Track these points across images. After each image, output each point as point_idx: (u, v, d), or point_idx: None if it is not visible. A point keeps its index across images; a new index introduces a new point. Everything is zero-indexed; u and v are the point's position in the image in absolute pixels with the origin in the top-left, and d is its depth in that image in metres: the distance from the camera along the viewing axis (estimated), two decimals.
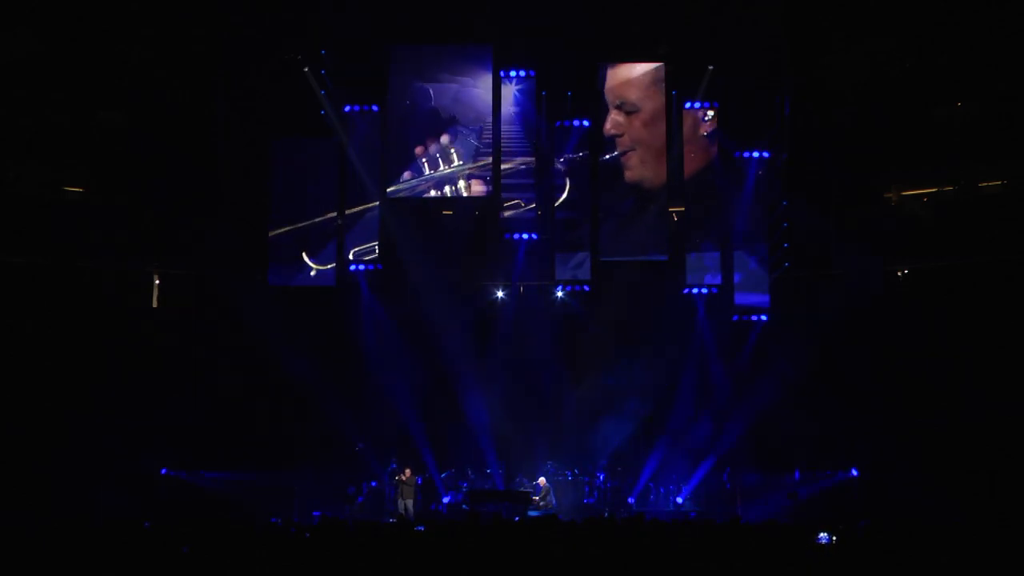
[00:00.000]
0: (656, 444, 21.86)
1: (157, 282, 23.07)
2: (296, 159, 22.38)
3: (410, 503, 20.25)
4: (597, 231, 22.05)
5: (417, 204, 22.34)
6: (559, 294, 22.74)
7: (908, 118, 22.11)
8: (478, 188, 22.02)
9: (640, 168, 21.97)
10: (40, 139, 21.90)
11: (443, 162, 21.98)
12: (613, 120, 22.05)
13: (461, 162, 21.99)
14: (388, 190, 22.05)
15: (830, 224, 22.10)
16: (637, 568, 10.46)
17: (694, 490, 21.66)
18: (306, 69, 22.11)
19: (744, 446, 21.56)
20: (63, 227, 21.42)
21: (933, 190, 22.69)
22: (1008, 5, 20.50)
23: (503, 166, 22.08)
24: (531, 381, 22.24)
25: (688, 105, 22.19)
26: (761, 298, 21.88)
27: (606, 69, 22.07)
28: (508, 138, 22.12)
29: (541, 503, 20.44)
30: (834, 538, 11.93)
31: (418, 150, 21.95)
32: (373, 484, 21.42)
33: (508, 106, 22.13)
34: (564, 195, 22.17)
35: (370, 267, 22.10)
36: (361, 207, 22.14)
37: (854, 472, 20.93)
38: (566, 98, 22.20)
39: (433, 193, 22.07)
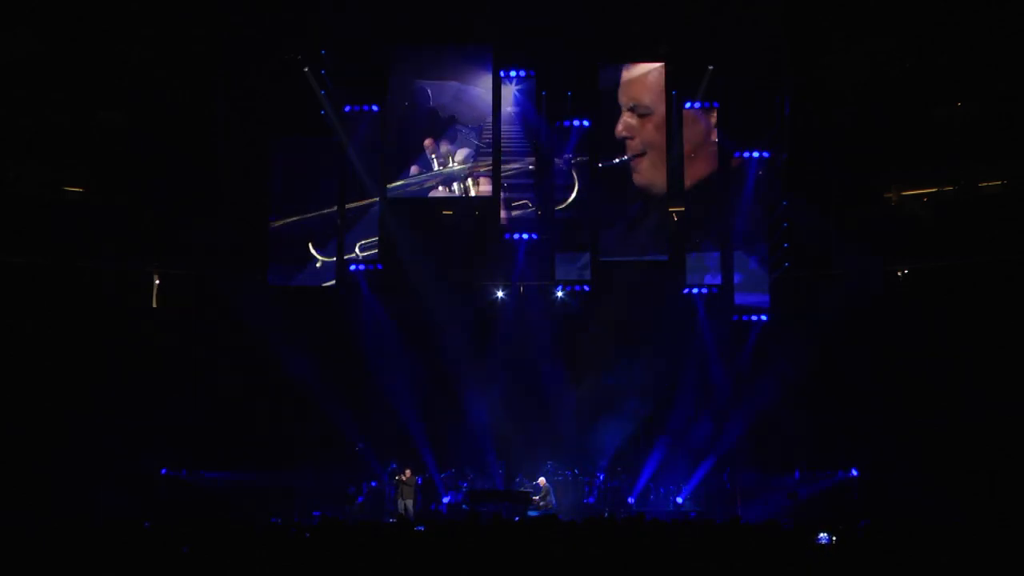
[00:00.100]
0: (656, 444, 21.86)
1: (157, 282, 23.07)
2: (296, 159, 22.37)
3: (410, 503, 20.26)
4: (598, 231, 22.04)
5: (417, 204, 22.35)
6: (559, 294, 22.74)
7: (908, 118, 22.10)
8: (485, 187, 22.00)
9: (651, 173, 21.87)
10: (40, 139, 21.89)
11: (451, 159, 21.98)
12: (625, 122, 21.95)
13: (466, 162, 21.96)
14: (394, 184, 22.01)
15: (830, 224, 22.09)
16: (637, 568, 10.46)
17: (694, 490, 21.65)
18: (306, 69, 22.10)
19: (744, 446, 21.56)
20: (63, 227, 21.42)
21: (933, 190, 22.68)
22: (1008, 5, 20.49)
23: (512, 166, 22.04)
24: (531, 381, 22.24)
25: (688, 105, 22.19)
26: (761, 298, 21.87)
27: (620, 70, 21.97)
28: (508, 138, 22.12)
29: (541, 503, 20.45)
30: (834, 538, 11.92)
31: (427, 143, 21.94)
32: (373, 484, 21.42)
33: (508, 106, 22.13)
34: (573, 195, 22.13)
35: (370, 267, 22.11)
36: (367, 201, 22.13)
37: (854, 472, 20.93)
38: (566, 98, 22.19)
39: (440, 189, 22.06)
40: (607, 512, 20.05)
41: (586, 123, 22.15)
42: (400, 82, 22.14)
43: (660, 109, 21.90)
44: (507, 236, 22.10)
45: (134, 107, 22.06)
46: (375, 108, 22.30)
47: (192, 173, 21.48)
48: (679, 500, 21.58)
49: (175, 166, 21.39)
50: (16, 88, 21.45)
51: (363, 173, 22.24)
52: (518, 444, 22.04)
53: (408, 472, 20.49)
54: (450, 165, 21.97)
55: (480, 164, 21.99)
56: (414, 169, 22.03)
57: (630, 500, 21.53)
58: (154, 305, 23.08)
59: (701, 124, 22.13)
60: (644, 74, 21.99)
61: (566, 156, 22.15)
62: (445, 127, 22.06)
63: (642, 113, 21.94)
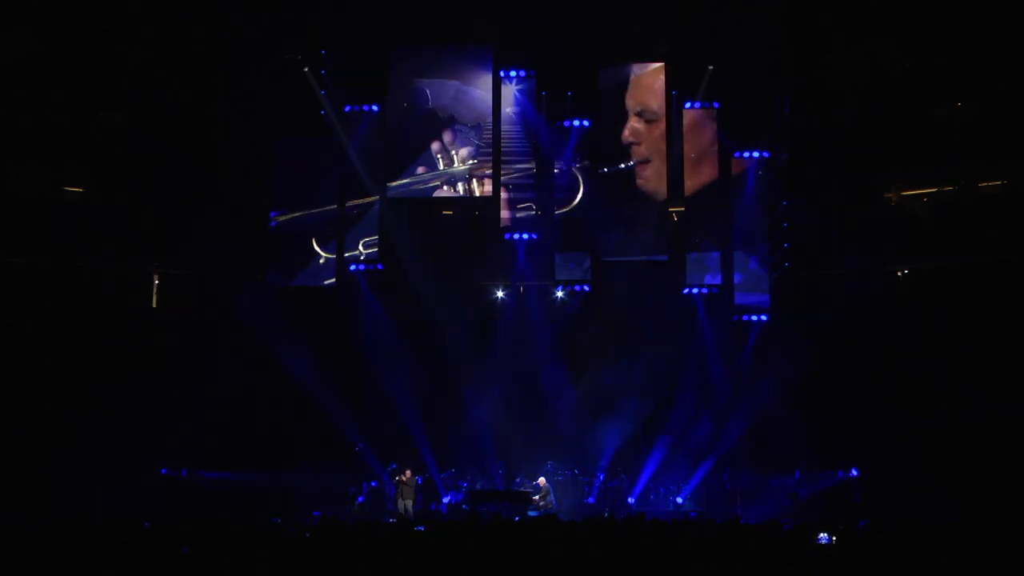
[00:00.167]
0: (656, 444, 21.86)
1: (157, 282, 23.07)
2: (296, 159, 22.37)
3: (410, 503, 20.25)
4: (597, 231, 22.04)
5: (417, 204, 22.35)
6: (559, 294, 22.74)
7: (908, 118, 22.12)
8: (490, 188, 21.98)
9: (655, 181, 21.88)
10: (40, 139, 21.92)
11: (456, 158, 21.97)
12: (632, 127, 21.93)
13: (473, 161, 21.95)
14: (399, 183, 22.02)
15: (830, 224, 22.08)
16: (637, 568, 10.45)
17: (694, 490, 21.67)
18: (306, 69, 22.12)
19: (744, 446, 21.56)
20: (63, 227, 21.44)
21: (933, 190, 22.70)
22: (1008, 5, 20.49)
23: (518, 166, 22.02)
24: (531, 381, 22.25)
25: (688, 105, 22.19)
26: (761, 298, 21.88)
27: (627, 74, 21.93)
28: (508, 138, 22.12)
29: (541, 503, 20.44)
30: (834, 538, 11.91)
31: (434, 146, 21.92)
32: (373, 484, 21.42)
33: (508, 106, 22.14)
34: (578, 199, 22.10)
35: (370, 267, 22.11)
36: (368, 199, 22.14)
37: (854, 472, 20.92)
38: (566, 98, 22.18)
39: (445, 189, 22.08)
40: (607, 512, 20.01)
41: (586, 123, 22.15)
42: (400, 82, 22.14)
43: (676, 153, 21.99)
44: (507, 236, 22.10)
45: (134, 107, 22.08)
46: (375, 108, 22.31)
47: (192, 173, 21.47)
48: (679, 500, 21.58)
49: (175, 166, 21.37)
50: (16, 88, 21.48)
51: (363, 173, 22.24)
52: (518, 444, 22.04)
53: (408, 472, 20.49)
54: (455, 165, 21.97)
55: (485, 164, 21.98)
56: (420, 169, 22.02)
57: (630, 500, 21.54)
58: (154, 305, 23.08)
59: (707, 131, 22.09)
60: (652, 79, 21.94)
61: (572, 162, 22.09)
62: (445, 127, 22.06)
63: (649, 119, 21.91)
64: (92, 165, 22.37)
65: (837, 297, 21.61)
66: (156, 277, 23.06)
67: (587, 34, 21.49)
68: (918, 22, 21.31)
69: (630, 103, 21.98)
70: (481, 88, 22.06)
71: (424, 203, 22.36)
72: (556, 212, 22.09)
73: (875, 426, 20.95)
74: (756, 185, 22.21)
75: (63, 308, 21.51)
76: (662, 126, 21.90)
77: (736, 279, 22.01)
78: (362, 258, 22.08)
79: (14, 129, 21.69)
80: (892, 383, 21.04)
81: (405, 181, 22.05)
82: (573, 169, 22.16)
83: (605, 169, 21.99)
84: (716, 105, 22.17)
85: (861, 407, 21.04)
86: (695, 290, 22.05)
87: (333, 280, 22.15)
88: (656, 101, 21.91)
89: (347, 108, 22.37)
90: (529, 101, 22.12)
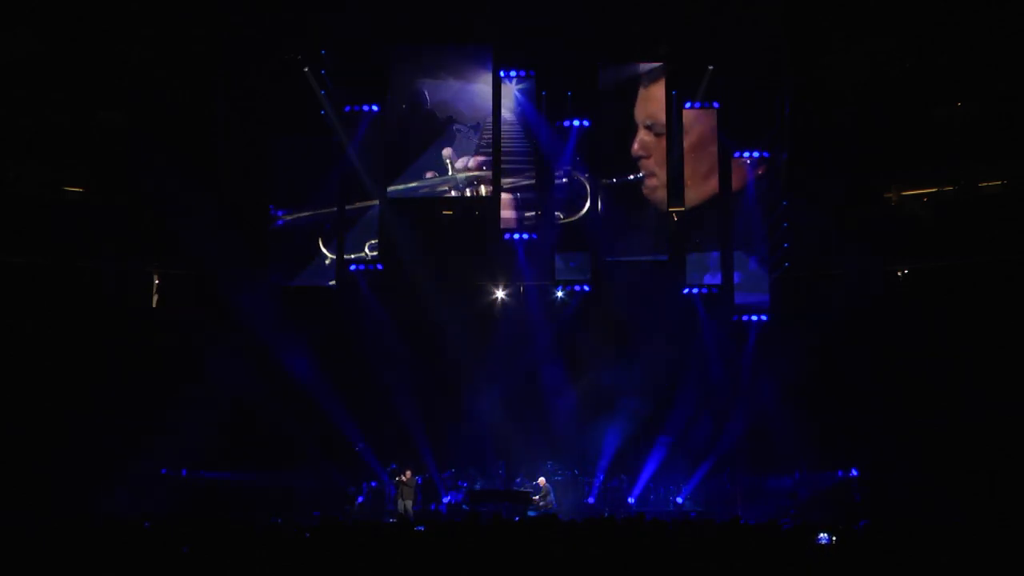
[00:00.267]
0: (656, 444, 21.84)
1: (157, 282, 23.07)
2: (296, 159, 22.37)
3: (410, 503, 20.23)
4: (598, 232, 22.04)
5: (417, 204, 22.35)
6: (559, 294, 22.74)
7: (908, 118, 22.12)
8: (507, 196, 22.01)
9: (662, 191, 21.95)
10: (40, 139, 21.93)
11: (467, 166, 21.97)
12: (641, 140, 21.98)
13: (480, 168, 21.92)
14: (407, 186, 22.01)
15: (830, 224, 22.08)
16: (637, 568, 10.45)
17: (694, 490, 21.66)
18: (306, 69, 22.13)
19: (744, 446, 21.56)
20: (63, 227, 21.44)
21: (933, 190, 22.71)
22: (1008, 5, 20.49)
23: (527, 173, 22.02)
24: (531, 381, 22.24)
25: (688, 105, 22.20)
26: (761, 298, 21.88)
27: (637, 87, 21.95)
28: (508, 138, 22.13)
29: (541, 503, 20.44)
30: (834, 538, 11.91)
31: (446, 152, 21.93)
32: (373, 484, 21.42)
33: (508, 106, 22.14)
34: (587, 206, 22.09)
35: (370, 267, 22.11)
36: (370, 203, 22.14)
37: (854, 472, 20.92)
38: (566, 98, 22.18)
39: (453, 194, 22.14)
40: (607, 512, 20.02)
41: (586, 123, 22.15)
42: (400, 82, 22.16)
43: (677, 152, 22.02)
44: (507, 236, 22.10)
45: (134, 107, 22.08)
46: (375, 108, 22.31)
47: (192, 173, 21.47)
48: (679, 500, 21.58)
49: (175, 166, 21.37)
50: (16, 88, 21.48)
51: (363, 173, 22.25)
52: (518, 444, 22.02)
53: (408, 473, 20.48)
54: (465, 171, 21.98)
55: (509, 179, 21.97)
56: (430, 174, 22.02)
57: (630, 500, 21.53)
58: (154, 305, 23.07)
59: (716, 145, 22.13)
60: (661, 92, 21.95)
61: (580, 171, 22.09)
62: (444, 127, 22.07)
63: (659, 132, 21.95)
64: (92, 165, 22.38)
65: (837, 297, 21.62)
66: (156, 277, 23.05)
67: (587, 34, 21.50)
68: (918, 22, 21.32)
69: (639, 116, 22.03)
70: (481, 88, 22.06)
71: (424, 203, 22.35)
72: (564, 220, 22.11)
73: (875, 426, 20.95)
74: (756, 185, 22.21)
75: (63, 308, 21.51)
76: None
77: (736, 279, 22.02)
78: (368, 259, 22.07)
79: (14, 129, 21.70)
80: (892, 383, 21.03)
81: (413, 185, 22.05)
82: (582, 178, 22.16)
83: (614, 180, 22.00)
84: (716, 105, 22.17)
85: (861, 407, 21.04)
86: (695, 290, 22.05)
87: (333, 280, 22.15)
88: (665, 114, 21.98)
89: (347, 108, 22.37)
90: (529, 101, 22.13)
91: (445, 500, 21.32)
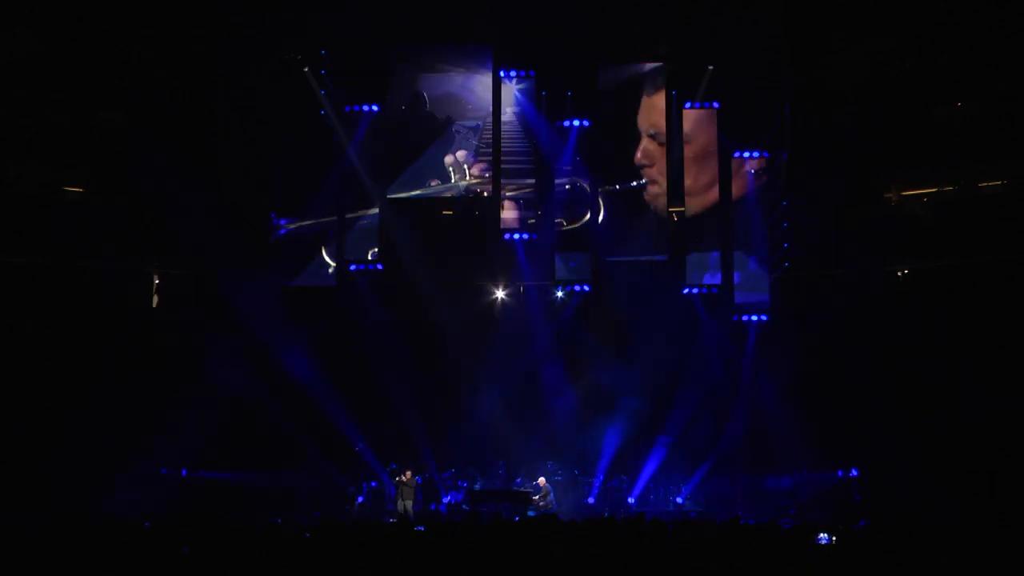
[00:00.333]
0: (656, 444, 21.84)
1: (157, 282, 23.06)
2: (296, 159, 22.37)
3: (410, 504, 20.22)
4: (598, 232, 22.04)
5: (417, 204, 22.35)
6: (559, 294, 22.74)
7: (908, 118, 22.11)
8: (508, 211, 22.05)
9: (663, 199, 22.00)
10: (40, 139, 21.91)
11: (468, 173, 21.97)
12: (644, 149, 22.01)
13: (483, 176, 21.93)
14: (410, 194, 22.01)
15: (830, 224, 22.09)
16: (637, 568, 10.45)
17: (694, 490, 21.66)
18: (306, 69, 22.12)
19: (744, 446, 21.56)
20: (63, 227, 21.43)
21: (933, 190, 22.69)
22: (1008, 5, 20.49)
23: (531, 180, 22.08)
24: (531, 381, 22.25)
25: (688, 105, 22.20)
26: (761, 298, 21.88)
27: (640, 96, 21.98)
28: (508, 138, 22.13)
29: (541, 503, 20.44)
30: (834, 538, 11.91)
31: (448, 159, 21.93)
32: (373, 484, 21.42)
33: (508, 106, 22.14)
34: (587, 216, 22.10)
35: (370, 267, 22.11)
36: (372, 211, 22.15)
37: (854, 472, 20.92)
38: (566, 98, 22.18)
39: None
40: (607, 512, 20.02)
41: (586, 123, 22.15)
42: (400, 82, 22.15)
43: (677, 152, 22.02)
44: (507, 236, 22.10)
45: (134, 107, 22.07)
46: (375, 108, 22.31)
47: (192, 173, 21.46)
48: (679, 500, 21.58)
49: (175, 166, 21.37)
50: (16, 88, 21.46)
51: (363, 173, 22.25)
52: (518, 444, 22.03)
53: (408, 473, 20.47)
54: (468, 179, 22.00)
55: (511, 186, 21.99)
56: (434, 182, 22.03)
57: (630, 500, 21.54)
58: (154, 305, 23.07)
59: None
60: (664, 102, 21.98)
61: (606, 187, 22.13)
62: (444, 127, 22.07)
63: (662, 142, 21.97)
64: (92, 165, 22.36)
65: (837, 297, 21.63)
66: (156, 277, 23.04)
67: (587, 34, 21.49)
68: (918, 22, 21.31)
69: (643, 124, 22.06)
70: (481, 88, 22.06)
71: (424, 203, 22.36)
72: (566, 227, 22.11)
73: (875, 426, 20.95)
74: (756, 185, 22.21)
75: (63, 308, 21.50)
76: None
77: (736, 279, 22.02)
78: (368, 260, 22.09)
79: (14, 129, 21.68)
80: (892, 383, 21.03)
81: (416, 193, 22.08)
82: (584, 184, 22.17)
83: (617, 187, 22.00)
84: (716, 105, 22.17)
85: (861, 407, 21.04)
86: (695, 290, 22.05)
87: (333, 281, 22.15)
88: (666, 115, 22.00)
89: (347, 108, 22.37)
90: (529, 101, 22.13)
91: (445, 500, 21.33)
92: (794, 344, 21.12)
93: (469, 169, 21.98)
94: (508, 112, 22.17)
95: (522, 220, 22.14)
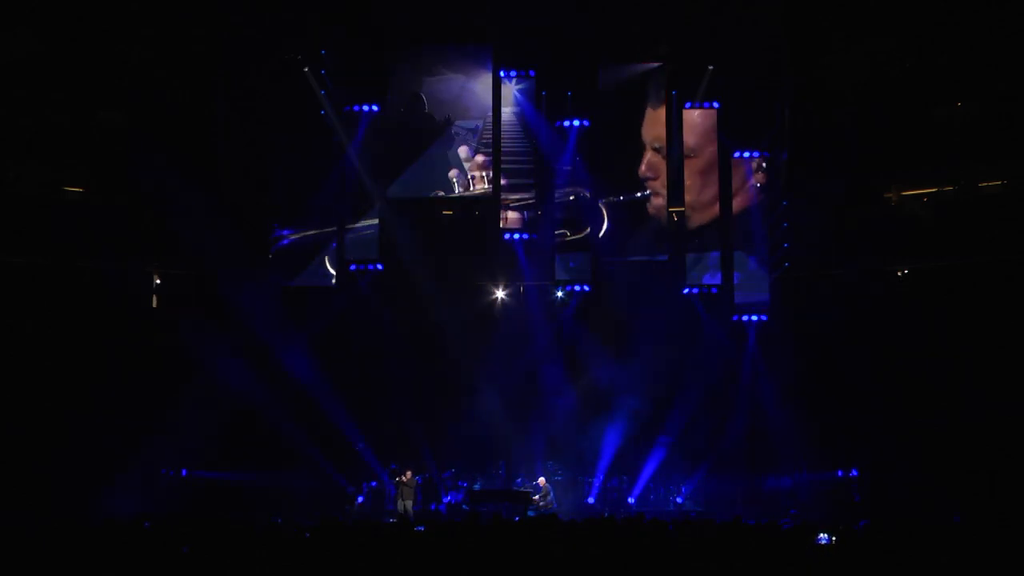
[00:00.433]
0: (656, 444, 21.84)
1: (157, 282, 23.06)
2: (297, 159, 22.37)
3: (410, 504, 20.22)
4: (598, 232, 22.06)
5: (417, 204, 22.36)
6: (559, 294, 22.74)
7: (908, 118, 22.10)
8: (512, 216, 22.07)
9: (665, 210, 22.06)
10: (40, 139, 21.89)
11: (478, 181, 21.97)
12: (648, 162, 22.07)
13: (489, 187, 21.97)
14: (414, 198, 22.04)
15: (830, 224, 22.08)
16: (637, 568, 10.45)
17: (694, 490, 21.66)
18: (306, 69, 22.11)
19: (744, 446, 21.56)
20: (63, 227, 21.41)
21: (933, 190, 22.69)
22: (1008, 5, 20.49)
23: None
24: (531, 381, 22.24)
25: (688, 105, 22.21)
26: (761, 298, 21.88)
27: (644, 108, 22.00)
28: (509, 138, 22.13)
29: (541, 503, 20.44)
30: (834, 538, 11.91)
31: (452, 173, 21.96)
32: (373, 484, 21.43)
33: (508, 106, 22.14)
34: (604, 227, 22.12)
35: (370, 267, 22.12)
36: (374, 220, 22.18)
37: (854, 472, 20.92)
38: (566, 98, 22.19)
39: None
40: (607, 512, 20.02)
41: (586, 123, 22.15)
42: (400, 81, 22.16)
43: (677, 153, 22.06)
44: (507, 236, 22.11)
45: (134, 107, 22.06)
46: (375, 108, 22.31)
47: (192, 173, 21.46)
48: (679, 500, 21.58)
49: (175, 166, 21.35)
50: (16, 88, 21.45)
51: (363, 173, 22.25)
52: (518, 444, 22.03)
53: (408, 473, 20.47)
54: (471, 190, 22.00)
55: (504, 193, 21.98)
56: (439, 193, 22.04)
57: (630, 500, 21.54)
58: (154, 305, 23.06)
59: (735, 176, 22.18)
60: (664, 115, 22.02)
61: (611, 198, 22.14)
62: (444, 127, 22.08)
63: (667, 155, 22.00)
64: (92, 165, 22.35)
65: (837, 297, 21.61)
66: (156, 277, 23.04)
67: (587, 34, 21.50)
68: (918, 22, 21.30)
69: (647, 137, 22.09)
70: (481, 88, 22.06)
71: (424, 203, 22.37)
72: (570, 237, 22.13)
73: (875, 426, 20.96)
74: (756, 185, 22.21)
75: (63, 308, 21.49)
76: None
77: (736, 279, 22.03)
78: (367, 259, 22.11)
79: (14, 129, 21.67)
80: (892, 383, 21.04)
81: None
82: (586, 193, 22.17)
83: (620, 197, 22.03)
84: (716, 105, 22.17)
85: (861, 407, 21.04)
86: (695, 290, 22.06)
87: (333, 281, 22.15)
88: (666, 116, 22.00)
89: (347, 108, 22.37)
90: (529, 101, 22.13)
91: (445, 500, 21.33)
92: (794, 344, 21.13)
93: (471, 172, 21.95)
94: (508, 112, 22.18)
95: (522, 220, 22.15)
